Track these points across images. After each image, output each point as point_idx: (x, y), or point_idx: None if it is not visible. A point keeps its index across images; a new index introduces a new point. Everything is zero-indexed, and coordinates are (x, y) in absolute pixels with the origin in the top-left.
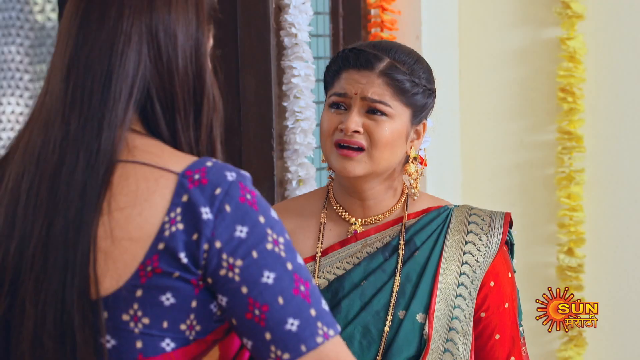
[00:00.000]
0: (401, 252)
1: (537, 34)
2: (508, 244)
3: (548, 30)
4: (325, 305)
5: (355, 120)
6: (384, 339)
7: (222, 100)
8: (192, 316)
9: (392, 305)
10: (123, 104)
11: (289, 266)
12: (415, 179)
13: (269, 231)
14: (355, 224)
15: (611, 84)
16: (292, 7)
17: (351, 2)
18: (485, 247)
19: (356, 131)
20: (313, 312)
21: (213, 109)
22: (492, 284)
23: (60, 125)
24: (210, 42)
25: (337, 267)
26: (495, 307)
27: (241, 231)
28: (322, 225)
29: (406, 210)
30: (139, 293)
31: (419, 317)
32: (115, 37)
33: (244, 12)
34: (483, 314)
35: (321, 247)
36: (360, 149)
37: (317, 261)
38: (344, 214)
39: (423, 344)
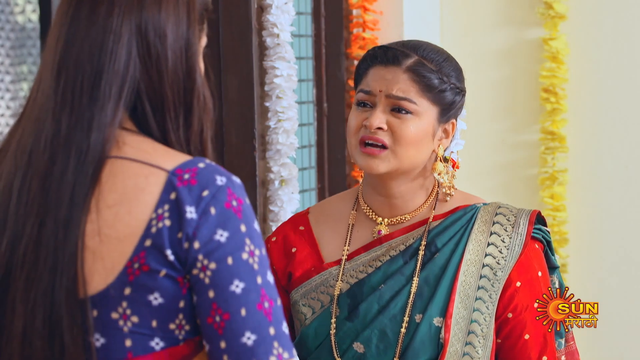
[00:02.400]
0: (421, 254)
1: (519, 35)
2: (543, 242)
3: (531, 31)
4: (285, 328)
5: (380, 117)
6: (400, 343)
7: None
8: (180, 316)
9: (408, 308)
10: (112, 103)
11: (259, 280)
12: (449, 180)
13: (248, 241)
14: (381, 223)
15: (594, 84)
16: (274, 7)
17: (333, 3)
18: (508, 249)
19: (380, 128)
20: (272, 331)
21: (204, 109)
22: (518, 284)
23: (51, 124)
24: (203, 42)
25: (360, 271)
26: (523, 307)
27: (221, 235)
28: (350, 227)
29: (433, 210)
30: (127, 291)
31: (436, 321)
32: (104, 35)
33: (226, 12)
34: (510, 315)
35: (347, 251)
36: (384, 147)
37: (342, 265)
38: (371, 214)
39: (440, 347)
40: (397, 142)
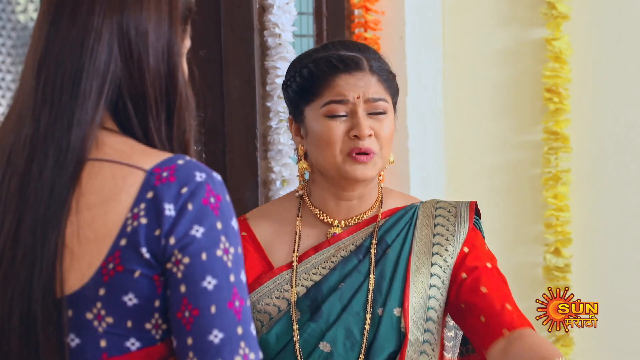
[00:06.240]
0: (373, 251)
1: (522, 35)
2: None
3: (533, 31)
4: (253, 329)
5: (366, 125)
6: (365, 338)
7: (206, 101)
8: (156, 315)
9: (369, 303)
10: (93, 101)
11: (232, 278)
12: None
13: (223, 238)
14: (338, 225)
15: (597, 84)
16: (275, 8)
17: (335, 3)
18: (453, 236)
19: (369, 135)
20: (240, 330)
21: (186, 108)
22: (466, 250)
23: (31, 122)
24: (187, 42)
25: (314, 273)
26: (475, 265)
27: (197, 231)
28: (298, 233)
29: (381, 208)
30: (101, 292)
31: (396, 312)
32: (85, 34)
33: (228, 13)
34: (464, 275)
35: (297, 255)
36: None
37: (294, 269)
38: (324, 217)
39: (402, 337)
40: (382, 145)
